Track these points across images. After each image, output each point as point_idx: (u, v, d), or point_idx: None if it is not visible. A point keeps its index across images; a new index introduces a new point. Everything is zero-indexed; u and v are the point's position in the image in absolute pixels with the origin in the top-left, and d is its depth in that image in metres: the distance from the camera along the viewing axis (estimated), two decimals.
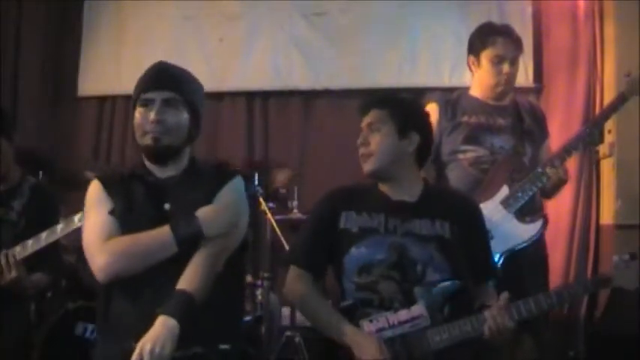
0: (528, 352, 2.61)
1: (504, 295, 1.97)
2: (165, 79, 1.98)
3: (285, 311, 3.73)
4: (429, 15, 4.39)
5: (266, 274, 3.56)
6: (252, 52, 4.55)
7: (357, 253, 2.05)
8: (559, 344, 3.78)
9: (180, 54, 4.58)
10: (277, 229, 3.58)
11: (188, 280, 1.85)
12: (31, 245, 2.53)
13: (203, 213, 1.90)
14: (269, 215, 3.57)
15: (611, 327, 3.28)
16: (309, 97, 4.58)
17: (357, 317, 2.00)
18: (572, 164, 3.88)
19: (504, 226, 2.61)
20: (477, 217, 2.20)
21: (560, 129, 3.95)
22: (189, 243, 1.88)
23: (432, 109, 2.89)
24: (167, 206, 1.94)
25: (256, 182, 3.61)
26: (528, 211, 2.68)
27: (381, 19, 4.40)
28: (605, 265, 3.71)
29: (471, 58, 2.94)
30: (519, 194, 2.66)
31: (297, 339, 3.53)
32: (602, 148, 3.89)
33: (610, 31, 3.91)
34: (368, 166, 2.12)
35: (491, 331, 1.92)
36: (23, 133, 4.59)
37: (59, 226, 2.53)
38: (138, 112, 1.96)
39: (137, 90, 1.99)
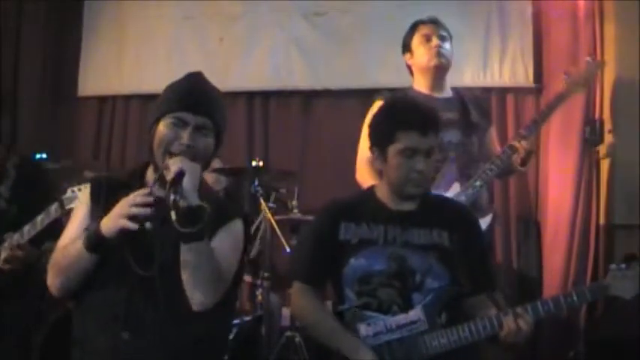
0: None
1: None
2: (203, 104, 1.89)
3: (285, 311, 3.73)
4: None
5: (266, 274, 3.56)
6: (252, 52, 4.55)
7: (356, 263, 2.05)
8: (559, 345, 3.77)
9: (181, 54, 4.59)
10: (277, 229, 3.58)
11: None
12: (27, 231, 2.47)
13: None
14: (269, 215, 3.58)
15: (612, 328, 3.28)
16: (309, 97, 4.58)
17: (354, 320, 2.01)
18: (571, 164, 3.90)
19: None
20: (476, 228, 2.22)
21: (561, 129, 3.96)
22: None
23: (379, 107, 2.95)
24: (148, 225, 1.79)
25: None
26: (480, 205, 2.78)
27: (381, 19, 4.39)
28: (605, 265, 3.71)
29: (407, 55, 3.09)
30: (470, 190, 2.76)
31: (297, 339, 3.53)
32: (602, 148, 3.89)
33: (610, 31, 3.91)
34: (422, 191, 2.10)
35: (509, 331, 1.91)
36: (23, 133, 4.61)
37: (53, 207, 2.44)
38: (166, 127, 1.85)
39: (169, 104, 1.88)
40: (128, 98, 4.78)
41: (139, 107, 4.73)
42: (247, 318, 3.54)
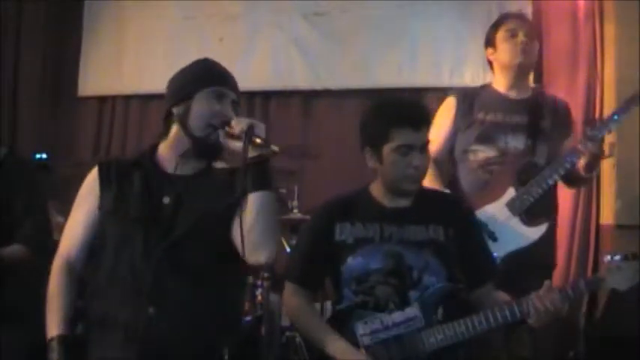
0: (524, 349, 2.60)
1: (547, 282, 1.97)
2: (233, 82, 2.05)
3: None
4: (429, 15, 4.39)
5: (266, 274, 3.56)
6: (252, 52, 4.55)
7: (353, 262, 2.05)
8: (559, 344, 3.77)
9: (181, 54, 4.58)
10: None
11: None
12: None
13: None
14: None
15: (611, 328, 3.29)
16: (309, 97, 4.58)
17: (352, 319, 2.01)
18: None
19: (508, 228, 2.59)
20: (471, 219, 2.21)
21: None
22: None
23: (450, 104, 2.89)
24: (166, 200, 1.86)
25: None
26: (536, 213, 2.64)
27: (381, 19, 4.40)
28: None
29: (489, 50, 2.89)
30: (525, 196, 2.63)
31: (297, 339, 3.53)
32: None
33: (610, 31, 3.91)
34: (418, 187, 2.11)
35: (537, 312, 1.91)
36: (23, 133, 4.61)
37: None
38: (205, 99, 1.92)
39: (203, 78, 1.96)
40: (128, 98, 4.78)
41: (139, 107, 4.74)
42: (247, 318, 3.53)
